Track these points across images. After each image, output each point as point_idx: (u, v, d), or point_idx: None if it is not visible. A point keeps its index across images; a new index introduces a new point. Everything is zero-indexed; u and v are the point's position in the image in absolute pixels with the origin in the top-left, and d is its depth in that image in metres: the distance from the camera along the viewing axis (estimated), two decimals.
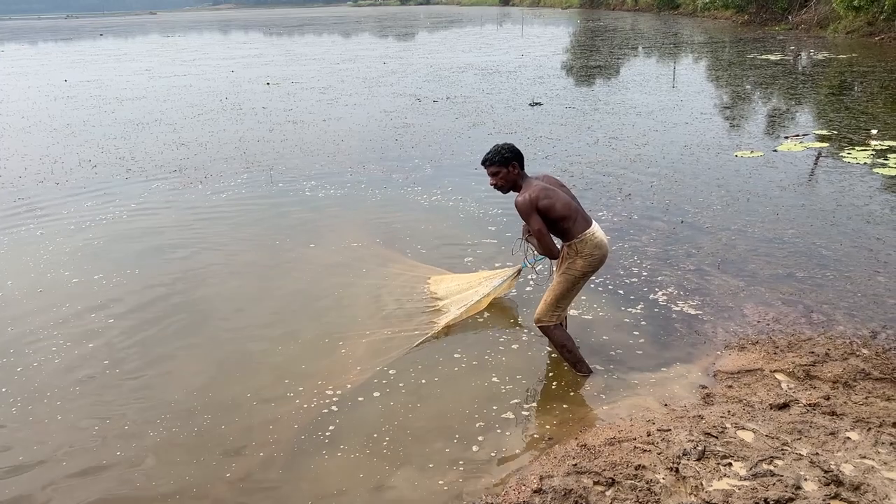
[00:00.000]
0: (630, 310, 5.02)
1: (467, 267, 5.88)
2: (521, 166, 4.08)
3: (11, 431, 3.87)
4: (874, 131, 10.10)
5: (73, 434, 3.84)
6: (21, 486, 3.45)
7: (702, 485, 3.09)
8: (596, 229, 4.03)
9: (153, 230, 7.06)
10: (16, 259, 6.36)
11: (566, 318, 4.45)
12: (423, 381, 4.23)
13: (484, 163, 4.10)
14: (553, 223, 3.95)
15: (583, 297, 5.13)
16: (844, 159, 8.75)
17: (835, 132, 10.30)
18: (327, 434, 3.77)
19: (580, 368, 4.22)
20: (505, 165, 4.02)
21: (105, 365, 4.52)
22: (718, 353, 4.40)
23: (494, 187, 4.13)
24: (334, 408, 3.99)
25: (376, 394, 4.12)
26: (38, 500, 3.36)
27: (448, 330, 4.79)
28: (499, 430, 3.76)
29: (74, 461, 3.62)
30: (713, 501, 2.97)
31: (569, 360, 4.23)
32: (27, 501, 3.36)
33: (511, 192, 4.14)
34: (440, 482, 3.36)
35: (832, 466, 3.15)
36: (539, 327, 4.19)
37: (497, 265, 5.68)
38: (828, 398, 3.76)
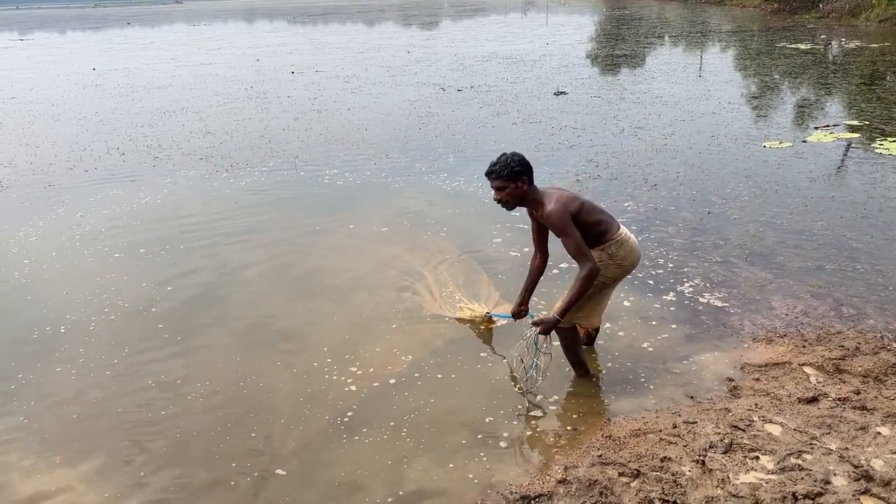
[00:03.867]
0: (656, 301, 4.98)
1: (495, 248, 5.98)
2: (531, 180, 3.65)
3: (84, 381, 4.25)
4: None
5: (122, 385, 4.26)
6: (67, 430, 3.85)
7: (728, 478, 3.07)
8: (626, 231, 3.79)
9: (182, 215, 7.19)
10: (53, 238, 6.63)
11: (598, 329, 4.33)
12: (442, 376, 4.24)
13: (489, 174, 3.65)
14: (587, 227, 3.62)
15: None
16: (876, 150, 8.59)
17: (866, 122, 10.11)
18: (345, 420, 3.81)
19: (578, 371, 4.07)
20: (514, 180, 3.58)
21: (146, 334, 4.84)
22: (746, 345, 4.35)
23: (499, 203, 3.69)
24: (352, 387, 4.03)
25: (399, 384, 4.14)
26: (85, 446, 3.70)
27: (479, 329, 4.72)
28: (524, 422, 3.76)
29: (117, 417, 3.96)
30: (740, 494, 2.96)
31: (570, 360, 4.04)
32: (77, 444, 3.74)
33: (518, 209, 3.81)
34: (466, 472, 3.37)
35: (862, 461, 3.11)
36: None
37: (526, 250, 5.61)
38: (858, 393, 3.71)
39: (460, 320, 4.80)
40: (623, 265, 3.74)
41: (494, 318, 4.68)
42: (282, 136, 10.86)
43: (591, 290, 3.66)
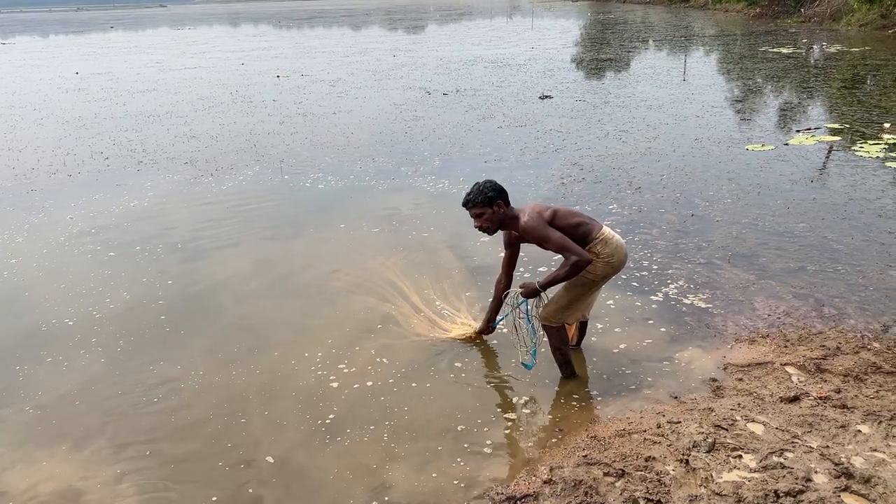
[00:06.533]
0: (641, 303, 5.02)
1: (481, 246, 6.04)
2: (507, 202, 3.84)
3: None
4: (887, 125, 10.03)
5: (124, 377, 4.40)
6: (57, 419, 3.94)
7: (712, 476, 3.10)
8: (610, 230, 3.86)
9: (169, 218, 7.18)
10: (41, 240, 6.70)
11: (586, 323, 4.38)
12: (416, 384, 4.22)
13: (466, 204, 3.84)
14: (567, 231, 3.72)
15: None
16: (857, 153, 8.70)
17: (847, 126, 10.24)
18: (327, 422, 3.82)
19: (565, 371, 4.12)
20: (489, 205, 3.77)
21: (150, 326, 4.99)
22: (729, 346, 4.40)
23: (480, 230, 3.88)
24: (334, 385, 4.04)
25: (377, 390, 4.14)
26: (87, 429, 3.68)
27: (456, 341, 4.67)
28: (509, 424, 3.78)
29: (118, 407, 4.09)
30: (723, 493, 2.98)
31: (558, 360, 4.10)
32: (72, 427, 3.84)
33: (499, 234, 4.01)
34: (450, 475, 3.38)
35: (843, 459, 3.15)
36: (542, 325, 4.02)
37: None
38: (839, 391, 3.76)
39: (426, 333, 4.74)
40: (611, 262, 3.79)
41: (495, 326, 4.55)
42: (267, 139, 10.84)
43: (580, 289, 3.83)
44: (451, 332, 4.72)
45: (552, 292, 3.96)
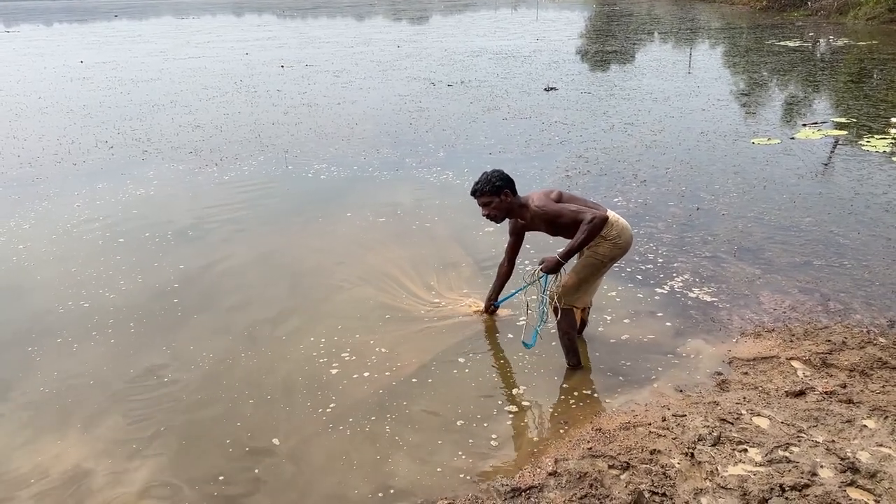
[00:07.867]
0: (645, 296, 5.01)
1: (484, 236, 6.06)
2: (514, 192, 3.94)
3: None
4: (894, 119, 9.99)
5: (135, 359, 4.47)
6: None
7: (717, 470, 3.10)
8: (614, 213, 3.94)
9: (173, 209, 7.16)
10: (48, 226, 6.74)
11: (588, 309, 4.42)
12: (417, 380, 4.22)
13: (474, 193, 3.95)
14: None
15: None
16: (863, 147, 8.67)
17: (853, 120, 10.19)
18: (328, 411, 3.83)
19: (571, 360, 4.14)
20: (497, 194, 3.88)
21: (163, 310, 5.08)
22: (734, 340, 4.39)
23: (488, 218, 3.99)
24: (335, 378, 4.04)
25: (379, 384, 4.14)
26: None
27: (458, 332, 4.67)
28: (513, 416, 3.78)
29: (129, 389, 4.15)
30: (728, 486, 2.99)
31: (565, 346, 4.13)
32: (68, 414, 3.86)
33: (506, 222, 4.17)
34: (456, 467, 3.38)
35: (848, 454, 3.16)
36: (552, 309, 4.04)
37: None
38: (844, 386, 3.76)
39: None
40: (618, 243, 3.87)
41: (497, 306, 4.71)
42: (271, 130, 10.82)
43: (590, 270, 3.92)
44: (461, 309, 4.84)
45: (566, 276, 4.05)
